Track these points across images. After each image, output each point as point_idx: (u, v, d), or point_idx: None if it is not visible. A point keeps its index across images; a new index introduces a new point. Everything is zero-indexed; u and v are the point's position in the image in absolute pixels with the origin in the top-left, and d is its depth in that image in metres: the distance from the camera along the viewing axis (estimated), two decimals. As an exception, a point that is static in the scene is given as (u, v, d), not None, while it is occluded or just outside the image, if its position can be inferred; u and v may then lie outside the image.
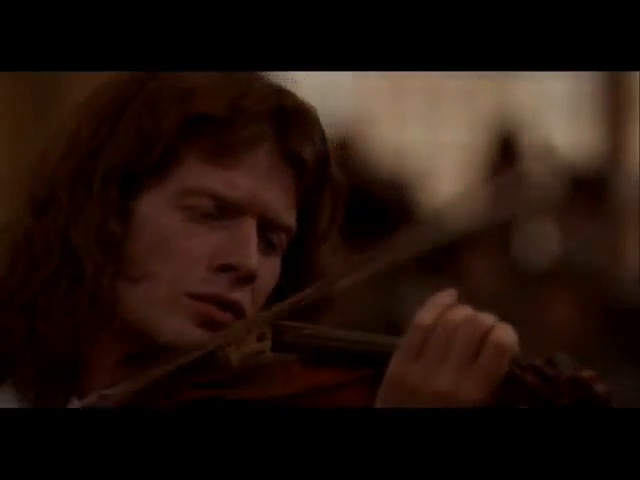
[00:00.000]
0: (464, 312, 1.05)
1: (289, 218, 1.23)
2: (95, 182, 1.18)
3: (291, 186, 1.23)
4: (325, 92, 9.71)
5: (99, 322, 1.18)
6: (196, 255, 1.19)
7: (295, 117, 1.23)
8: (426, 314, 1.05)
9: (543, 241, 6.45)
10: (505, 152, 7.06)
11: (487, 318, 1.04)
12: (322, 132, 1.26)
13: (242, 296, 1.20)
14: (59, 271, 1.18)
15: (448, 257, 5.51)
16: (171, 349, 1.17)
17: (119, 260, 1.18)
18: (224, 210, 1.20)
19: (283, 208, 1.23)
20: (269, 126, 1.21)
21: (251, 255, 1.19)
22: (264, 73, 1.30)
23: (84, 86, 1.30)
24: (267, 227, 1.22)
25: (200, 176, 1.20)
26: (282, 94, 1.24)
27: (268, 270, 1.23)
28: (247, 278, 1.19)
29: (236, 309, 1.20)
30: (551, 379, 1.04)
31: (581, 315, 5.19)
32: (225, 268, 1.19)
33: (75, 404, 1.19)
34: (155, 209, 1.20)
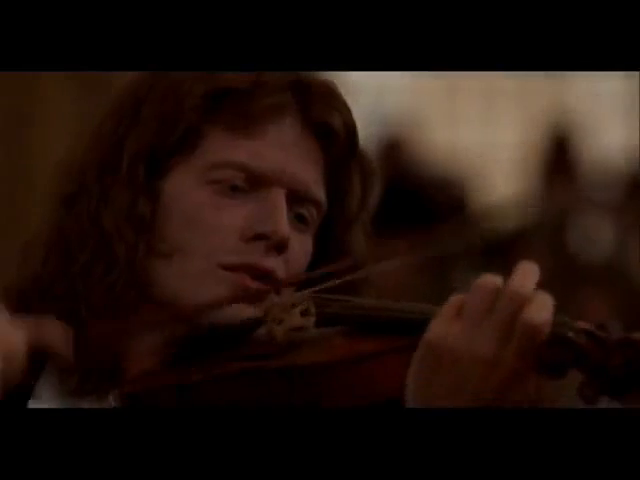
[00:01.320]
0: (502, 282, 1.05)
1: (318, 192, 1.24)
2: (122, 167, 1.20)
3: (319, 160, 1.25)
4: (381, 92, 9.74)
5: (136, 302, 1.19)
6: (227, 227, 1.20)
7: (316, 88, 1.24)
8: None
9: (596, 239, 6.41)
10: (559, 152, 7.04)
11: (525, 290, 1.04)
12: (346, 105, 1.26)
13: (276, 265, 1.20)
14: (95, 256, 1.20)
15: (501, 251, 5.54)
16: (211, 327, 1.19)
17: (151, 239, 1.20)
18: (252, 182, 1.21)
19: (312, 181, 1.24)
20: (291, 96, 1.22)
21: (281, 222, 1.19)
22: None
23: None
24: (297, 201, 1.23)
25: (225, 149, 1.21)
26: (300, 72, 1.27)
27: (300, 245, 1.23)
28: (279, 246, 1.20)
29: (270, 278, 1.20)
30: (603, 340, 1.06)
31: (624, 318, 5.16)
32: (257, 237, 1.20)
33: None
34: (184, 186, 1.21)
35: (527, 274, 1.05)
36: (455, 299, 1.06)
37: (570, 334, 1.06)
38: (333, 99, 1.25)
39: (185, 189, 1.21)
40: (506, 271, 1.00)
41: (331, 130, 1.23)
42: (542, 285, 0.99)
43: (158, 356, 1.21)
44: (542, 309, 1.03)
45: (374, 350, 1.16)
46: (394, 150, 6.93)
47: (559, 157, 6.98)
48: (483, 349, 1.02)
